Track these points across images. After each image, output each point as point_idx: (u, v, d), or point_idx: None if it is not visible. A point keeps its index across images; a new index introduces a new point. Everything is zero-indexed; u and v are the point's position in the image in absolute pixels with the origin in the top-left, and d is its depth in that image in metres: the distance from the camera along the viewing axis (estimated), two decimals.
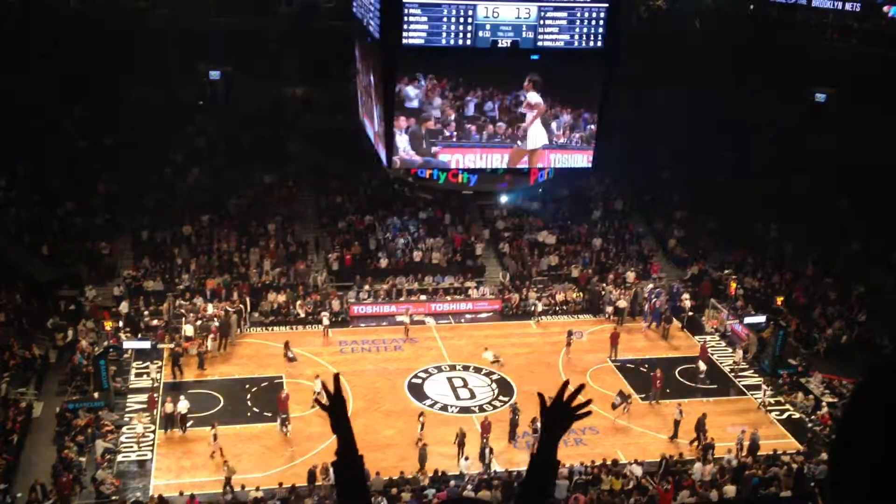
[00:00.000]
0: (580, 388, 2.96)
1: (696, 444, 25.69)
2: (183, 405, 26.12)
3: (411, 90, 17.75)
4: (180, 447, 25.38)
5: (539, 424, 3.06)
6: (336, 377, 3.17)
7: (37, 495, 21.79)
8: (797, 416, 28.14)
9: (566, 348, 31.54)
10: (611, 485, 23.10)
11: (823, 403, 28.03)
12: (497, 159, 18.80)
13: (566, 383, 2.98)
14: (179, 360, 29.13)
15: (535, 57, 17.90)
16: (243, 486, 22.69)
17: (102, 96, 38.67)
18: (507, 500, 22.05)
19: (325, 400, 3.09)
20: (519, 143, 18.67)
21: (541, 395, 3.04)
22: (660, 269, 37.52)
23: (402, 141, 17.98)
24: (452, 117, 18.11)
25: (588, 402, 2.94)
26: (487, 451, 24.43)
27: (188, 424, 25.94)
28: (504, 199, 31.08)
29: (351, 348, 31.99)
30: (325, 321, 32.55)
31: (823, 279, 35.38)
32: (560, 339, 32.35)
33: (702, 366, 30.20)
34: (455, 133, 18.20)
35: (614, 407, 26.97)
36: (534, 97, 18.35)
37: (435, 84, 17.84)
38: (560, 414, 2.92)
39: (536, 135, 18.66)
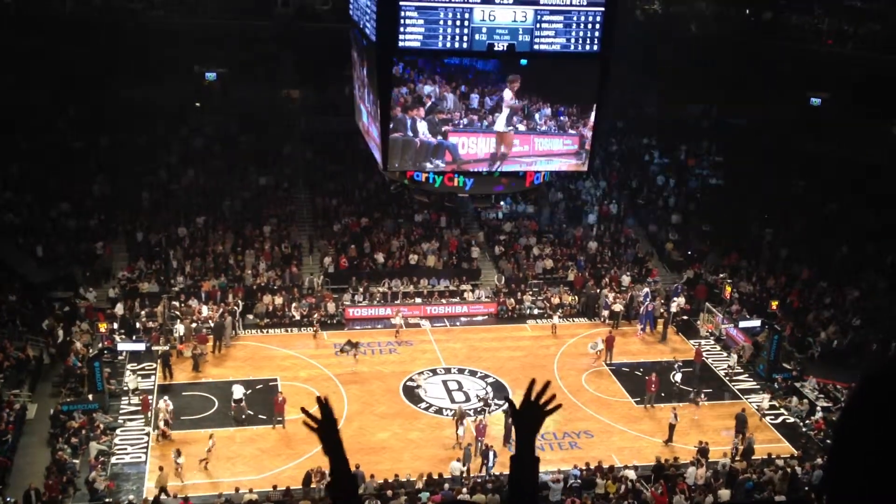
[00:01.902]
0: (547, 384, 2.98)
1: (741, 440, 25.69)
2: (169, 406, 26.09)
3: (427, 88, 18.15)
4: (173, 449, 25.26)
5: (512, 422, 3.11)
6: (325, 400, 3.14)
7: (31, 500, 21.66)
8: (792, 420, 28.18)
9: (602, 352, 31.29)
10: (605, 488, 23.10)
11: (818, 408, 28.07)
12: (484, 143, 19.20)
13: (533, 381, 3.01)
14: (169, 361, 29.08)
15: (523, 62, 18.28)
16: (237, 489, 22.63)
17: (97, 97, 38.59)
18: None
19: (312, 423, 3.05)
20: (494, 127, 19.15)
21: (509, 400, 3.07)
22: (657, 274, 37.50)
23: (422, 126, 18.64)
24: (459, 108, 18.75)
25: (554, 396, 2.96)
26: (491, 453, 24.38)
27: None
28: (502, 204, 31.20)
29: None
30: (316, 322, 32.67)
31: (818, 283, 35.43)
32: (554, 342, 32.53)
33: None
34: (461, 121, 18.94)
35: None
36: (510, 94, 18.69)
37: (445, 84, 18.37)
38: (530, 412, 2.95)
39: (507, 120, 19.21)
